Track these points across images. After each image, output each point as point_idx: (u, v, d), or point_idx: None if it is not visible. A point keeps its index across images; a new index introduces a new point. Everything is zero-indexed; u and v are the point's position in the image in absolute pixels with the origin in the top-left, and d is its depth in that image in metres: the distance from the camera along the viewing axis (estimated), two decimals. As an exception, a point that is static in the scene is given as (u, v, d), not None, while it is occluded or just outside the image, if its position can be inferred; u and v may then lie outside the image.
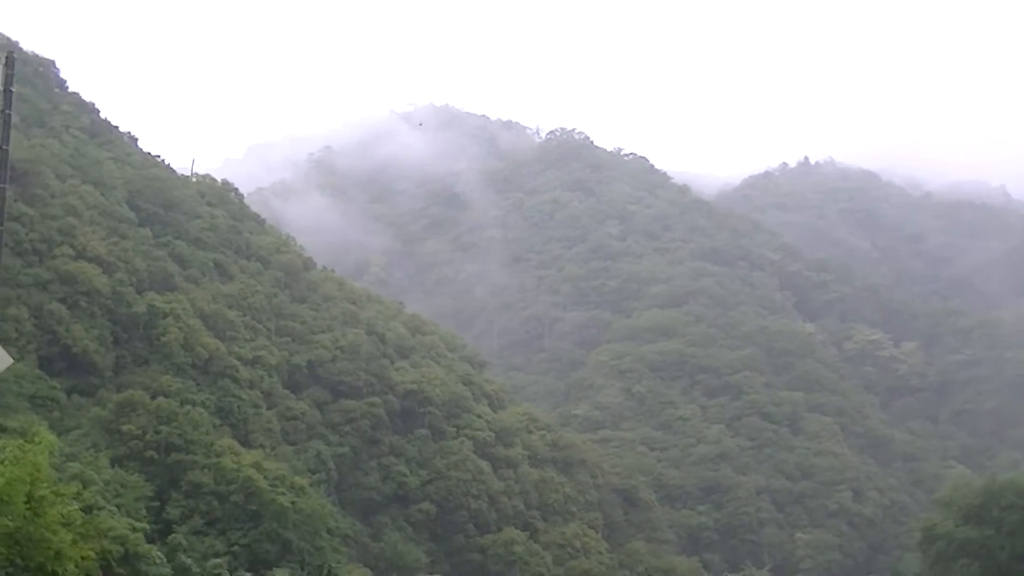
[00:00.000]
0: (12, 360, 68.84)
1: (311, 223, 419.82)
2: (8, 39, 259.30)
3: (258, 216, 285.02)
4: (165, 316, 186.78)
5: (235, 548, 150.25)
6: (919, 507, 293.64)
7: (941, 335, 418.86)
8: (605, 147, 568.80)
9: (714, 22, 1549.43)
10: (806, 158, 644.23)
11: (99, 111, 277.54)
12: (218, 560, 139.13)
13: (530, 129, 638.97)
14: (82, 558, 53.35)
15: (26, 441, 51.38)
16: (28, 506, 47.27)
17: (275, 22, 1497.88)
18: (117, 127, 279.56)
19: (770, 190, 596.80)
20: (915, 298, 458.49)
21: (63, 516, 52.18)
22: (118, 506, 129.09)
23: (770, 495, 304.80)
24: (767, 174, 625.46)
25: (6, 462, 48.26)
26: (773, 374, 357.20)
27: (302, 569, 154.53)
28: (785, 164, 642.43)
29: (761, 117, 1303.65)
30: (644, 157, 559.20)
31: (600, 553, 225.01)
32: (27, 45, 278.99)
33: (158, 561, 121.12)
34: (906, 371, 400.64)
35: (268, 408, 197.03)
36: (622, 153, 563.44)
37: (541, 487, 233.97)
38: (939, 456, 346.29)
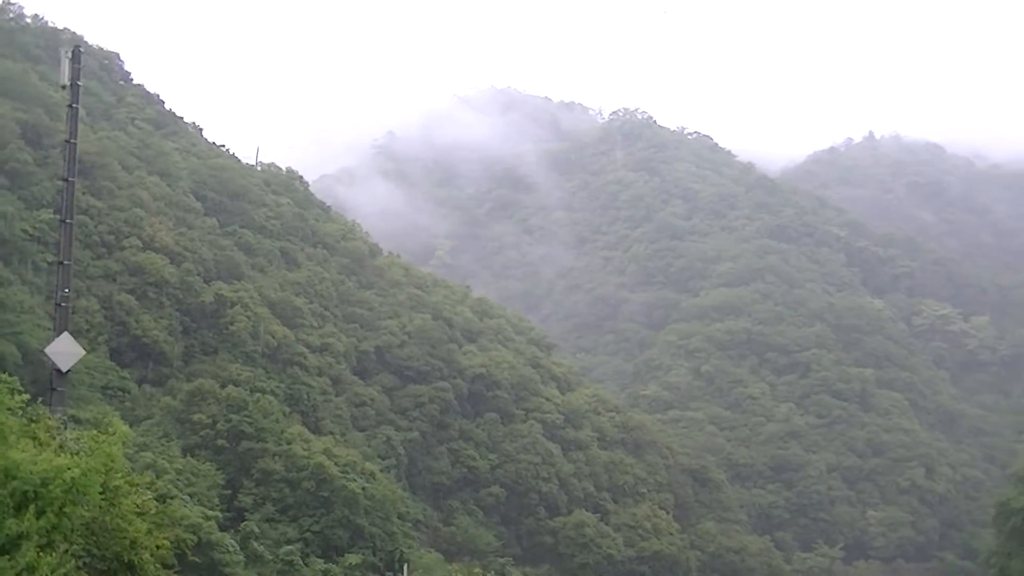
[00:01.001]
0: (84, 351, 69.55)
1: (376, 209, 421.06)
2: (73, 33, 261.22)
3: (323, 203, 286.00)
4: (233, 305, 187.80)
5: (307, 535, 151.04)
6: (992, 483, 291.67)
7: (1011, 308, 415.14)
8: (668, 126, 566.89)
9: (773, 2, 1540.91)
10: (871, 132, 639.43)
11: (164, 102, 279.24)
12: (290, 547, 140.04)
13: (592, 110, 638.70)
14: (157, 547, 53.80)
15: (100, 432, 51.82)
16: (103, 496, 47.72)
17: (335, 8, 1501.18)
18: (182, 118, 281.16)
19: (835, 166, 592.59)
20: (984, 271, 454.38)
21: (137, 506, 52.65)
22: (190, 495, 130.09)
23: (841, 473, 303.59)
24: (832, 150, 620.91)
25: (81, 453, 48.71)
26: (842, 351, 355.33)
27: (374, 555, 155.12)
28: (850, 139, 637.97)
29: (824, 92, 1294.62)
30: (708, 135, 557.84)
31: (671, 534, 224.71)
32: (92, 39, 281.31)
33: (231, 549, 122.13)
34: (976, 345, 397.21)
35: (337, 395, 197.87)
36: (685, 132, 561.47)
37: (611, 469, 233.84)
38: (1012, 431, 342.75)
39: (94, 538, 48.79)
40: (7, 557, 39.58)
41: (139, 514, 52.39)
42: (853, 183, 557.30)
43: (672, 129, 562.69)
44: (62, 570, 41.68)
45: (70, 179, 67.91)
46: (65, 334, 62.93)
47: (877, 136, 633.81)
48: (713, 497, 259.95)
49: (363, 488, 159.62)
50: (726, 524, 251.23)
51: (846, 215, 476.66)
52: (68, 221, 67.36)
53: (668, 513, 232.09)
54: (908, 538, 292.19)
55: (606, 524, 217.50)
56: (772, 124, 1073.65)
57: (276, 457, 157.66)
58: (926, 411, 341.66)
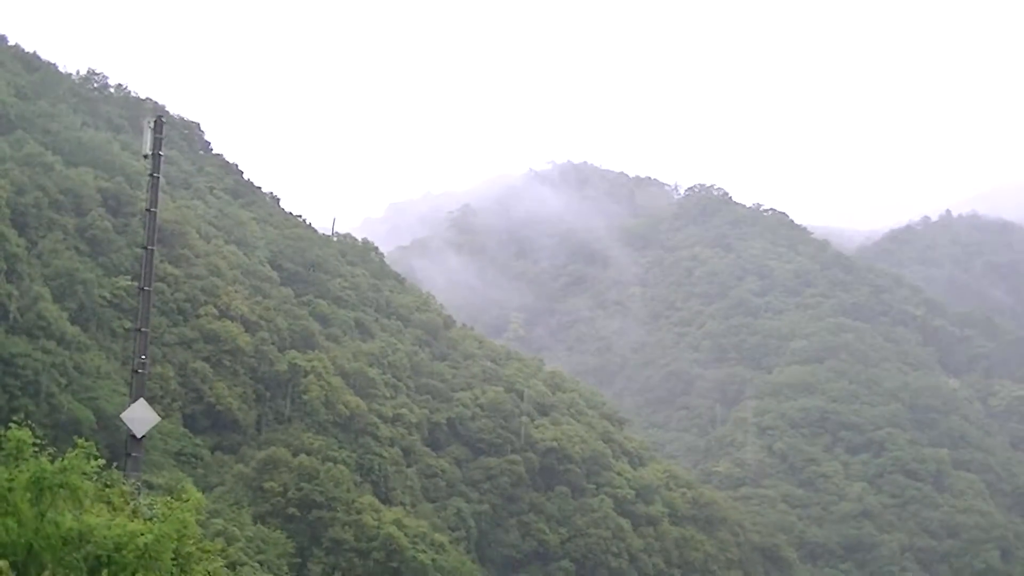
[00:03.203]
0: (159, 418, 70.11)
1: (450, 281, 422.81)
2: (155, 103, 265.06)
3: (398, 275, 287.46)
4: (306, 374, 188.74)
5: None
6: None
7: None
8: (744, 202, 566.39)
9: (852, 79, 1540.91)
10: (948, 211, 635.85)
11: (242, 172, 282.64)
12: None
13: (668, 185, 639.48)
14: (227, 614, 53.99)
15: (173, 498, 52.26)
16: (175, 563, 47.98)
17: (414, 82, 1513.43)
18: (259, 187, 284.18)
19: (911, 244, 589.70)
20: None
21: (209, 573, 52.86)
22: (260, 563, 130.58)
23: (914, 554, 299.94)
24: (908, 228, 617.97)
25: (154, 519, 49.10)
26: (916, 431, 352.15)
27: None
28: (927, 217, 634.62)
29: (902, 170, 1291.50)
30: (783, 212, 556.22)
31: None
32: (174, 108, 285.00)
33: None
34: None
35: (408, 465, 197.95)
36: (761, 208, 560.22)
37: (681, 545, 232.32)
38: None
39: (165, 604, 49.08)
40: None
41: (210, 581, 52.64)
42: (929, 262, 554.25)
43: (748, 205, 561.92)
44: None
45: (149, 247, 68.62)
46: (141, 400, 63.47)
47: (954, 215, 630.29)
48: (784, 575, 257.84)
49: (433, 559, 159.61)
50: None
51: (922, 294, 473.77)
52: (146, 288, 68.02)
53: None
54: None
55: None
56: (848, 201, 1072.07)
57: (346, 527, 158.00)
58: (1002, 493, 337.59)
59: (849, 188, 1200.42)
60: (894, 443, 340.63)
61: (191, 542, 49.99)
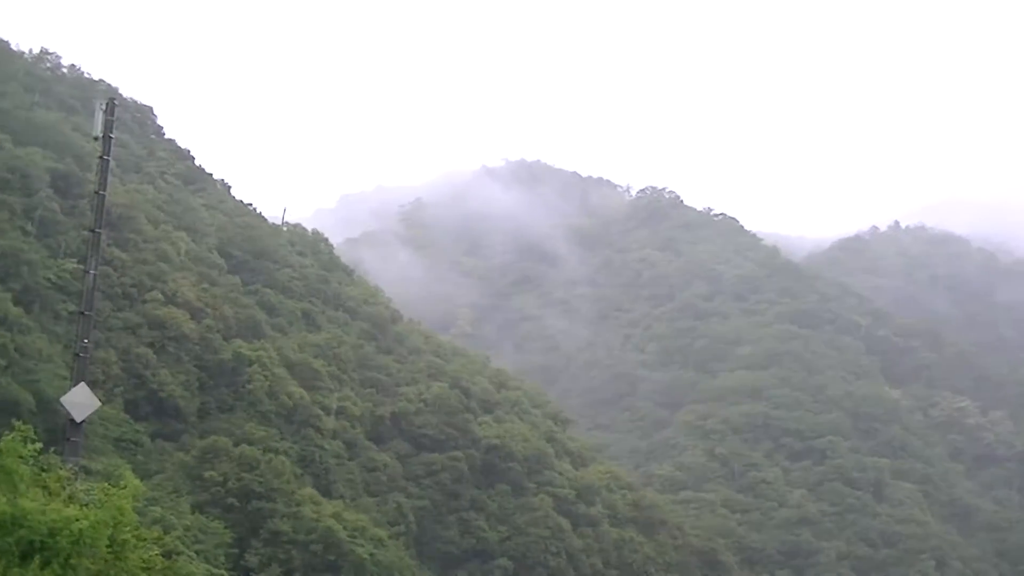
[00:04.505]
0: (99, 403, 69.63)
1: (399, 275, 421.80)
2: (109, 85, 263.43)
3: (347, 267, 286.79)
4: (251, 364, 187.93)
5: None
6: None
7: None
8: (695, 206, 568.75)
9: (806, 89, 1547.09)
10: (896, 222, 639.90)
11: (194, 158, 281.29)
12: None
13: (620, 187, 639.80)
14: (161, 603, 53.66)
15: (111, 484, 51.84)
16: (110, 550, 47.63)
17: (369, 75, 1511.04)
18: (211, 174, 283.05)
19: (860, 253, 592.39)
20: (1003, 366, 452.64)
21: (144, 561, 52.48)
22: (198, 552, 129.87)
23: (851, 562, 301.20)
24: (857, 237, 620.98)
25: (91, 505, 48.72)
26: (858, 439, 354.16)
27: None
28: (875, 227, 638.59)
29: (852, 180, 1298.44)
30: (734, 218, 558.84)
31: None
32: (127, 91, 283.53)
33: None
34: (993, 440, 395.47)
35: (350, 459, 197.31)
36: (712, 213, 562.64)
37: (621, 547, 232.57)
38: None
39: (98, 591, 48.69)
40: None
41: (145, 569, 52.25)
42: (877, 272, 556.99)
43: (699, 209, 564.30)
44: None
45: (97, 230, 68.20)
46: (82, 384, 63.06)
47: (902, 226, 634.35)
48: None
49: (371, 554, 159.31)
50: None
51: (869, 304, 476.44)
52: (92, 272, 67.62)
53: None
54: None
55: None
56: (798, 209, 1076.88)
57: (285, 518, 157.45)
58: (940, 504, 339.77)
59: (799, 196, 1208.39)
60: (835, 451, 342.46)
61: (127, 529, 49.61)
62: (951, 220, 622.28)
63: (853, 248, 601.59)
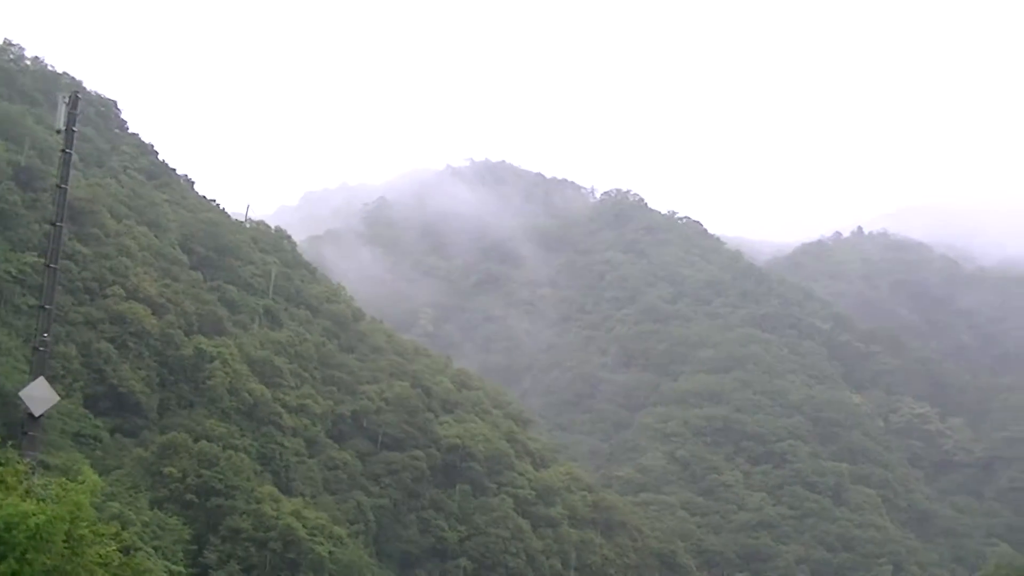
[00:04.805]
0: (58, 397, 69.27)
1: (362, 273, 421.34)
2: (72, 78, 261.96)
3: (309, 265, 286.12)
4: (212, 360, 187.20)
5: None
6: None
7: (989, 411, 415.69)
8: (659, 209, 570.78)
9: (771, 92, 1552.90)
10: (859, 228, 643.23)
11: (157, 153, 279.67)
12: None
13: (585, 188, 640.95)
14: (118, 599, 53.34)
15: (69, 480, 51.54)
16: (67, 545, 47.37)
17: (336, 73, 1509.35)
18: (175, 170, 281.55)
19: (822, 258, 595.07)
20: (964, 373, 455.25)
21: (101, 556, 52.17)
22: (156, 548, 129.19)
23: (810, 566, 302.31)
24: (820, 242, 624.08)
25: (48, 500, 48.42)
26: (818, 444, 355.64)
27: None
28: (838, 233, 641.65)
29: (816, 185, 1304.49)
30: (698, 221, 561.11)
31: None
32: (91, 85, 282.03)
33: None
34: (952, 446, 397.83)
35: (310, 456, 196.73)
36: (676, 216, 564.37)
37: (580, 548, 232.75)
38: (983, 533, 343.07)
39: (54, 587, 48.35)
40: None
41: (102, 565, 51.94)
42: (839, 277, 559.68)
43: (663, 212, 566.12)
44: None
45: (58, 224, 67.90)
46: (41, 379, 62.72)
47: (865, 232, 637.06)
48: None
49: (330, 552, 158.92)
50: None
51: (831, 308, 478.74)
52: (53, 266, 67.31)
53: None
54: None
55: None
56: (762, 213, 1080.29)
57: (245, 515, 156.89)
58: (898, 509, 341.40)
59: (763, 200, 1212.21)
60: (795, 455, 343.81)
61: (85, 525, 49.34)
62: (914, 226, 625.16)
63: (816, 253, 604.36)
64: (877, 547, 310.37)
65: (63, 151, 68.42)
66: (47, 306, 65.75)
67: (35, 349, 66.83)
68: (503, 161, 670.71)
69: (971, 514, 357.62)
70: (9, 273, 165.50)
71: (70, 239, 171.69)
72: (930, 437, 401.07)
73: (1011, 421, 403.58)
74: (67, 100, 67.78)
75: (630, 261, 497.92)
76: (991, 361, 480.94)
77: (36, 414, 61.77)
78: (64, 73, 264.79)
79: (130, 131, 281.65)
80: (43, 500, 47.96)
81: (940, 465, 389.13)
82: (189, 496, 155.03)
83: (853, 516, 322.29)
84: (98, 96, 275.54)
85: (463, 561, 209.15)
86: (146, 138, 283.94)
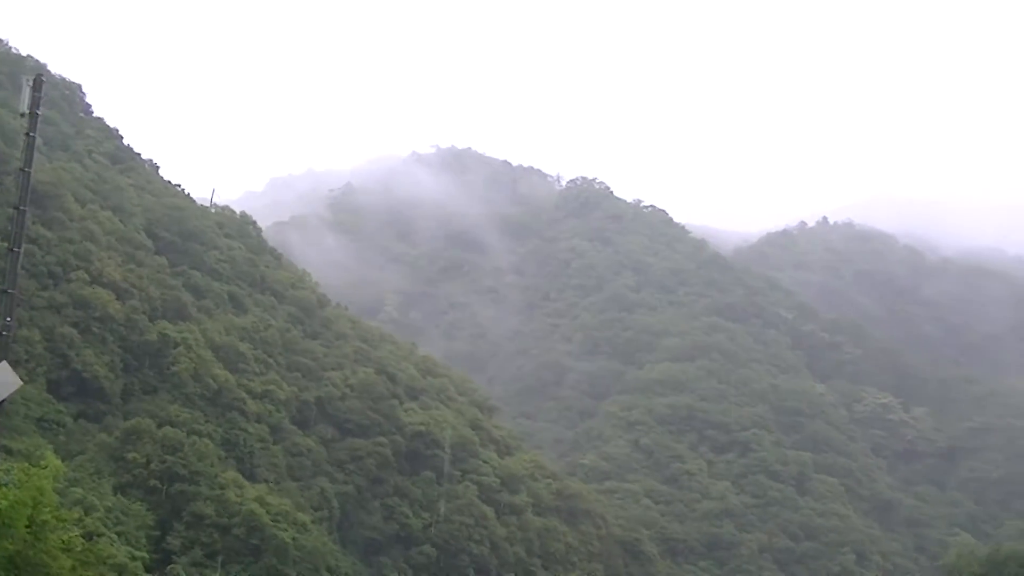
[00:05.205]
0: (21, 382, 68.86)
1: (328, 259, 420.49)
2: (37, 61, 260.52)
3: (275, 250, 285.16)
4: (176, 345, 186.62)
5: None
6: (922, 573, 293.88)
7: (952, 401, 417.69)
8: (625, 198, 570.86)
9: (738, 82, 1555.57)
10: (824, 218, 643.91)
11: (122, 137, 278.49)
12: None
13: (551, 176, 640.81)
14: (80, 585, 53.08)
15: (31, 465, 51.27)
16: (29, 530, 47.14)
17: (301, 58, 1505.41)
18: (139, 154, 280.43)
19: (787, 248, 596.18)
20: (927, 363, 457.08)
21: (64, 542, 52.00)
22: (119, 534, 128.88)
23: (773, 554, 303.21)
24: (785, 232, 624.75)
25: (10, 485, 48.15)
26: (782, 433, 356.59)
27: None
28: (803, 223, 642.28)
29: (781, 175, 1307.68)
30: (663, 210, 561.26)
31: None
32: (56, 68, 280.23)
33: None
34: (915, 436, 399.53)
35: (275, 443, 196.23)
36: (641, 204, 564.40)
37: (544, 535, 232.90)
38: (945, 523, 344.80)
39: (16, 572, 48.10)
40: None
41: (65, 550, 51.76)
42: (804, 267, 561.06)
43: (629, 201, 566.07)
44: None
45: (21, 207, 67.45)
46: (3, 363, 62.29)
47: (831, 221, 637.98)
48: (644, 570, 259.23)
49: (294, 538, 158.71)
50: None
51: (795, 298, 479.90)
52: (16, 250, 66.86)
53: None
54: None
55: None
56: (727, 203, 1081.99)
57: (208, 501, 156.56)
58: (861, 498, 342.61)
59: (729, 190, 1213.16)
60: (759, 444, 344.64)
61: (47, 510, 49.13)
62: (879, 217, 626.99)
63: (781, 243, 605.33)
64: (840, 536, 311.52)
65: (27, 134, 67.98)
66: (10, 290, 65.33)
67: (-2, 333, 66.32)
68: (469, 148, 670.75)
69: (933, 503, 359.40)
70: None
71: (34, 223, 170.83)
72: (893, 427, 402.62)
73: (973, 411, 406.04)
74: (31, 83, 67.33)
75: (595, 249, 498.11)
76: (954, 351, 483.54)
77: (-1, 399, 61.37)
78: (28, 56, 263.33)
79: (95, 115, 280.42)
80: (5, 485, 47.71)
81: (903, 455, 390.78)
82: (153, 482, 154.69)
83: (816, 505, 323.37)
84: (63, 79, 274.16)
85: (427, 548, 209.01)
86: (111, 122, 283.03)
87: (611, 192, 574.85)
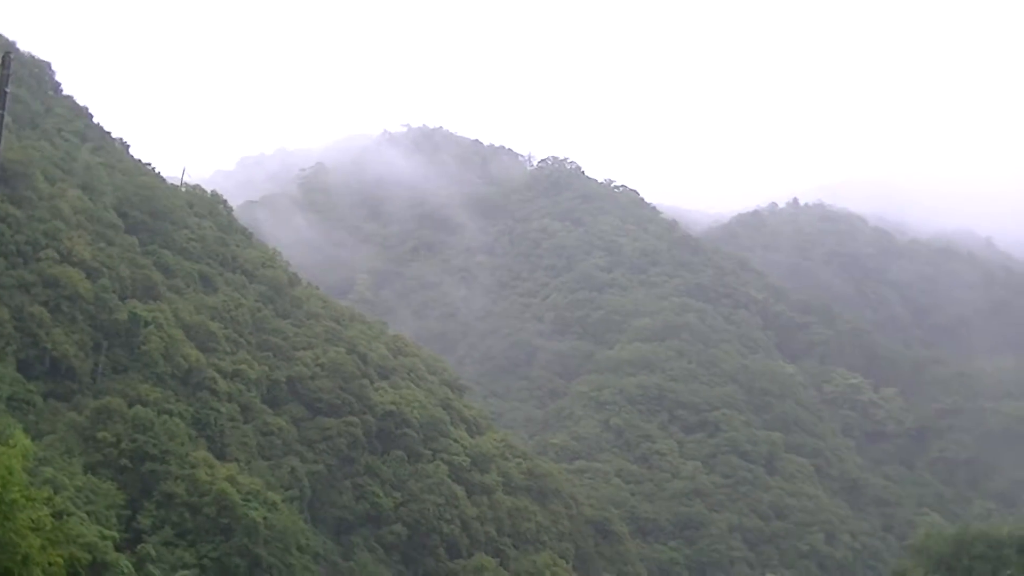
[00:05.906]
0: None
1: (299, 238, 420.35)
2: (6, 39, 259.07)
3: (245, 229, 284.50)
4: (147, 325, 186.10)
5: (204, 561, 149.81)
6: (891, 553, 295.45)
7: (921, 382, 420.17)
8: (596, 178, 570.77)
9: (709, 61, 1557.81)
10: (795, 199, 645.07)
11: (92, 116, 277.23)
12: (186, 572, 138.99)
13: (522, 156, 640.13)
14: (49, 563, 53.11)
15: (1, 444, 51.21)
16: (-1, 509, 47.04)
17: (272, 36, 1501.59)
18: (109, 133, 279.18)
19: (758, 229, 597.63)
20: (897, 344, 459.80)
21: (33, 521, 51.94)
22: (89, 513, 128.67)
23: (743, 534, 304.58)
24: (756, 213, 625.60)
25: (-22, 464, 48.04)
26: (752, 413, 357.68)
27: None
28: (774, 204, 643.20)
29: (752, 156, 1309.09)
30: (635, 190, 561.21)
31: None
32: (24, 46, 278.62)
33: (126, 571, 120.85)
34: (884, 416, 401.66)
35: (245, 422, 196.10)
36: (613, 185, 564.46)
37: (514, 515, 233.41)
38: (913, 503, 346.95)
39: (-14, 550, 48.04)
40: None
41: (34, 529, 51.73)
42: (775, 248, 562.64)
43: (600, 181, 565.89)
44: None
45: (-10, 186, 67.40)
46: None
47: (801, 203, 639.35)
48: (614, 550, 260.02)
49: (264, 517, 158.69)
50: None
51: (765, 279, 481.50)
52: (-15, 228, 66.83)
53: (568, 563, 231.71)
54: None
55: (505, 570, 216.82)
56: (699, 183, 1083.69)
57: (179, 480, 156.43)
58: (831, 478, 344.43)
59: (700, 170, 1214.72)
60: (729, 424, 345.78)
61: (16, 489, 49.08)
62: (848, 198, 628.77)
63: (751, 224, 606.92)
64: (809, 515, 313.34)
65: (-4, 113, 67.82)
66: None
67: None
68: (440, 127, 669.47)
69: (902, 484, 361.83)
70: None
71: (2, 202, 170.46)
72: (862, 407, 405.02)
73: (942, 393, 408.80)
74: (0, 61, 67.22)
75: (566, 229, 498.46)
76: (923, 333, 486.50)
77: (-32, 378, 61.38)
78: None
79: (64, 93, 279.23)
80: (-27, 464, 47.60)
81: (872, 435, 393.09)
82: (123, 461, 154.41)
83: (786, 485, 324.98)
84: (32, 57, 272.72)
85: (398, 527, 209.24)
86: (81, 100, 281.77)
87: (582, 172, 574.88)
